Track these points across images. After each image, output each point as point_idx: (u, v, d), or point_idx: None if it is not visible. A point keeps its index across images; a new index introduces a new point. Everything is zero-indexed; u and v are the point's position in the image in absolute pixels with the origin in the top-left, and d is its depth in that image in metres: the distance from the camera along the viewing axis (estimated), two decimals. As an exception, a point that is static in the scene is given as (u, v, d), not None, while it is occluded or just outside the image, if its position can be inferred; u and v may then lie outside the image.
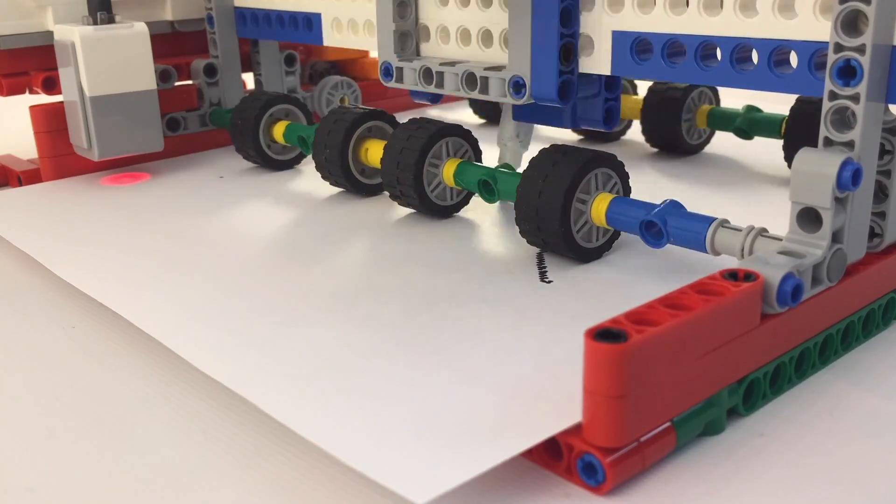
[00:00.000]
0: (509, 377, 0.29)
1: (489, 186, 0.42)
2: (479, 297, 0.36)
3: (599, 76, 0.40)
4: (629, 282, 0.37)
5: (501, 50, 0.41)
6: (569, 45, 0.37)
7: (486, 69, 0.39)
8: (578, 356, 0.28)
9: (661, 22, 0.35)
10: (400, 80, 0.43)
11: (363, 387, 0.29)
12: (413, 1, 0.43)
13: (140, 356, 0.34)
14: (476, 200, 0.47)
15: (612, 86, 0.41)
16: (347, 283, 0.38)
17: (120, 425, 0.29)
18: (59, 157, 0.55)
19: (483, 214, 0.46)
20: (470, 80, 0.40)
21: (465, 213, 0.47)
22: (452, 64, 0.41)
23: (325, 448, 0.25)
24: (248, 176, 0.56)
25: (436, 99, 0.44)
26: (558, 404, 0.27)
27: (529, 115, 0.44)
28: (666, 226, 0.35)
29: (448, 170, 0.44)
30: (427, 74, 0.42)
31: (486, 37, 0.41)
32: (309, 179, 0.54)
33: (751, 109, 0.55)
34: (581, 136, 0.64)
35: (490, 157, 0.47)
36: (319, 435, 0.26)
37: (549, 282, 0.37)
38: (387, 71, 0.44)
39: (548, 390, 0.28)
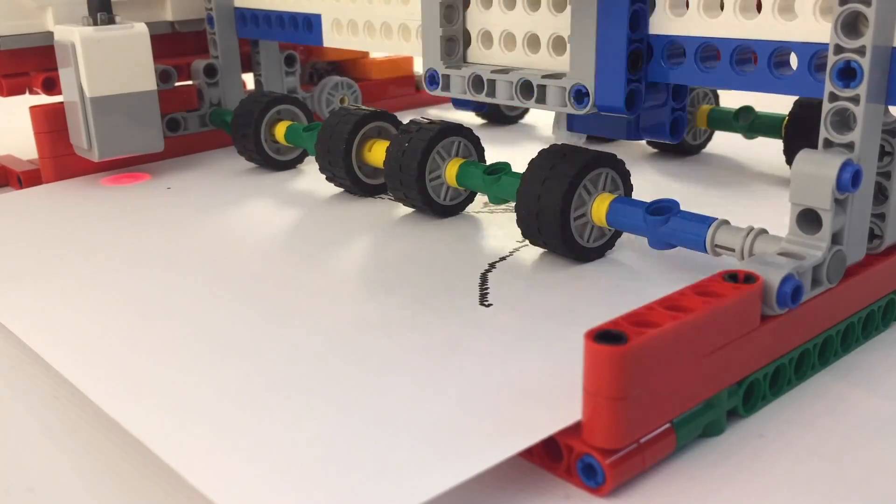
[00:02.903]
0: (506, 377, 0.29)
1: (496, 173, 0.42)
2: (479, 296, 0.36)
3: (667, 85, 0.38)
4: (630, 282, 0.37)
5: (549, 55, 0.39)
6: (637, 52, 0.35)
7: (543, 77, 0.37)
8: (575, 356, 0.28)
9: (661, 24, 0.35)
10: (447, 88, 0.41)
11: (356, 390, 0.29)
12: (461, 4, 0.41)
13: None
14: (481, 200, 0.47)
15: (679, 94, 0.39)
16: (344, 284, 0.38)
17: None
18: (59, 158, 0.55)
19: (488, 213, 0.46)
20: (525, 88, 0.38)
21: (469, 210, 0.47)
22: (506, 71, 0.39)
23: (320, 454, 0.25)
24: (248, 176, 0.56)
25: (481, 108, 0.43)
26: (555, 405, 0.27)
27: (586, 125, 0.42)
28: (669, 242, 0.36)
29: (450, 170, 0.44)
30: (477, 82, 0.40)
31: (533, 41, 0.39)
32: (309, 179, 0.54)
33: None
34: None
35: (492, 157, 0.47)
36: (311, 442, 0.26)
37: (489, 305, 0.35)
38: (432, 79, 0.42)
39: (543, 391, 0.28)
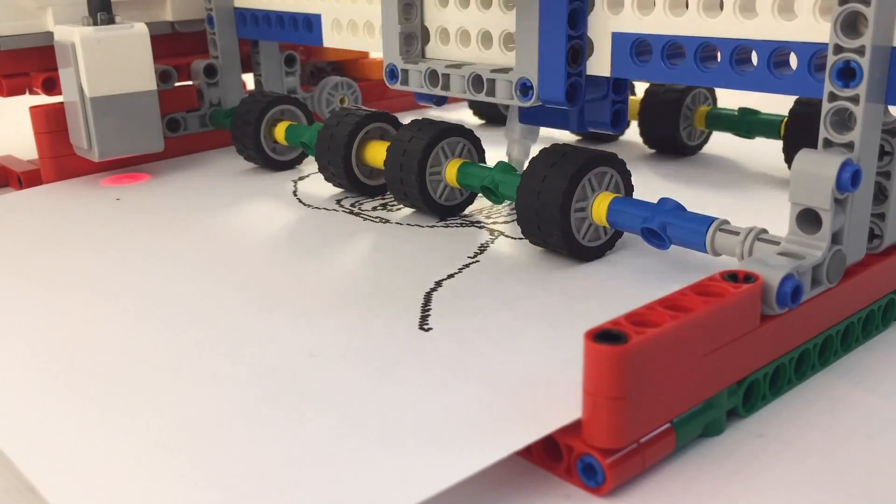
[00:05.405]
0: (510, 372, 0.29)
1: (490, 190, 0.42)
2: (484, 296, 0.36)
3: (607, 78, 0.39)
4: (630, 282, 0.37)
5: (501, 51, 0.41)
6: (577, 47, 0.37)
7: (492, 71, 0.39)
8: (570, 356, 0.28)
9: (660, 23, 0.35)
10: (405, 82, 0.43)
11: (356, 387, 0.29)
12: (418, 2, 0.43)
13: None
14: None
15: (620, 88, 0.40)
16: (343, 284, 0.38)
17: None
18: (59, 158, 0.55)
19: (492, 213, 0.46)
20: (476, 82, 0.40)
21: (469, 210, 0.47)
22: (459, 66, 0.41)
23: (321, 449, 0.25)
24: (248, 176, 0.56)
25: (441, 101, 0.44)
26: (554, 404, 0.27)
27: (535, 117, 0.44)
28: (666, 232, 0.35)
29: (450, 170, 0.44)
30: (433, 76, 0.42)
31: (486, 38, 0.41)
32: (309, 179, 0.54)
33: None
34: (579, 137, 0.64)
35: (492, 157, 0.47)
36: (307, 439, 0.26)
37: (429, 329, 0.33)
38: (392, 73, 0.43)
39: (546, 386, 0.28)
